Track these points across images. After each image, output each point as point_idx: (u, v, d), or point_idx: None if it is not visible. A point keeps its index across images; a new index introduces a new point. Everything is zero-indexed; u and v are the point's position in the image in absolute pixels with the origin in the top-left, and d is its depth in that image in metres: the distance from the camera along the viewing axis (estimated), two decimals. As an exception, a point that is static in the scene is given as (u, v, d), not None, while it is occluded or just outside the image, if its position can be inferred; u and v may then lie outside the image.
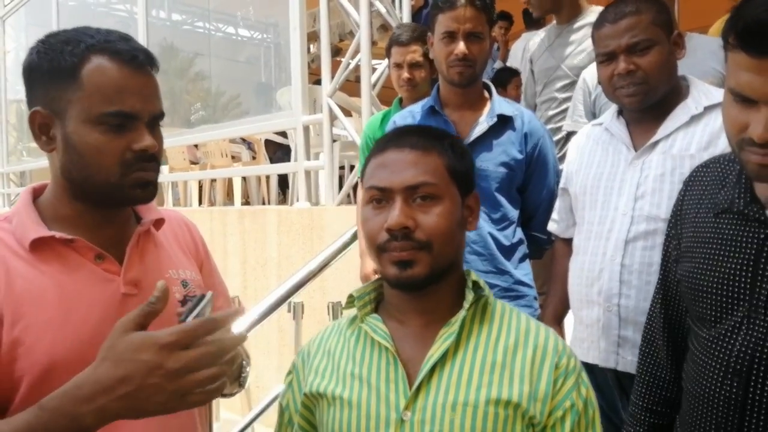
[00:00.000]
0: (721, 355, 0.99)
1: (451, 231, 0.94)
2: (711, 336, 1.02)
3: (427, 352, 0.91)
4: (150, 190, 0.99)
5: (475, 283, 0.98)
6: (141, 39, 5.93)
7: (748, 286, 0.98)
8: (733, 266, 1.00)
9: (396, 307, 0.97)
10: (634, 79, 1.44)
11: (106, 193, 0.97)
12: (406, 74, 2.31)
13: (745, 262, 0.99)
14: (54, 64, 0.93)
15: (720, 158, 1.14)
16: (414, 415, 0.88)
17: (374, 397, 0.92)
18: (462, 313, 0.93)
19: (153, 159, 0.98)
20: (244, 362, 1.11)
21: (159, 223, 1.08)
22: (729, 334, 0.99)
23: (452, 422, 0.87)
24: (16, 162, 8.43)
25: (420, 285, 0.92)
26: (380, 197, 0.94)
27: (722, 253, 1.02)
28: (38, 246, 0.94)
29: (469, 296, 0.95)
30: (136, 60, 0.96)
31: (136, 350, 0.75)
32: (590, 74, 2.42)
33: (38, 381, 0.88)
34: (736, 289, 0.99)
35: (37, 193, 1.03)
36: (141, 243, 1.04)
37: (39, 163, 7.32)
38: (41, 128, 0.97)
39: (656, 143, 1.47)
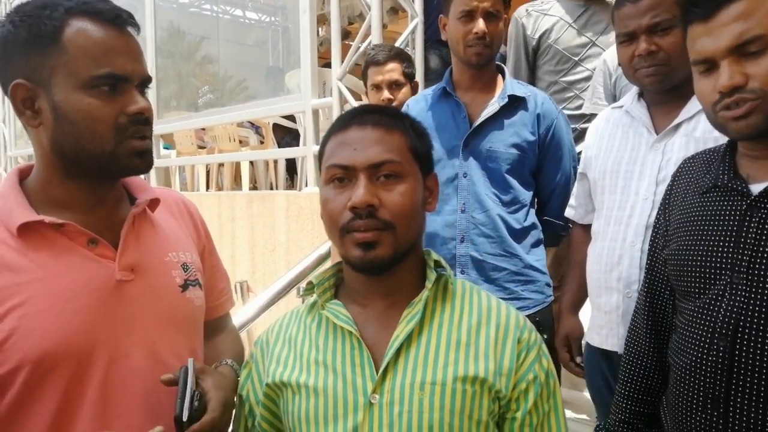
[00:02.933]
0: (707, 323, 1.02)
1: (414, 210, 0.93)
2: (696, 307, 1.05)
3: (391, 334, 0.91)
4: (148, 158, 0.94)
5: (437, 263, 0.97)
6: (148, 22, 5.89)
7: (730, 255, 1.01)
8: (717, 238, 1.03)
9: (357, 290, 0.97)
10: (656, 60, 1.40)
11: (102, 165, 0.91)
12: (386, 94, 2.18)
13: (728, 232, 1.02)
14: (33, 31, 0.87)
15: (705, 151, 1.18)
16: (382, 398, 0.88)
17: (341, 383, 0.90)
18: (425, 293, 0.93)
19: (148, 123, 0.93)
20: (240, 379, 1.06)
21: (154, 203, 1.03)
22: (713, 302, 1.02)
23: (421, 401, 0.87)
24: (24, 145, 8.44)
25: (384, 266, 0.91)
26: (342, 176, 0.92)
27: (707, 227, 1.06)
28: (26, 231, 0.89)
29: (432, 276, 0.95)
30: (120, 19, 0.91)
31: None
32: (611, 56, 2.36)
33: (33, 374, 0.85)
34: (720, 259, 1.02)
35: (23, 175, 0.97)
36: (137, 225, 0.99)
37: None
38: (24, 102, 0.90)
39: (678, 126, 1.43)
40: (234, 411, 1.00)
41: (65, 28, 0.88)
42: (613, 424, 1.22)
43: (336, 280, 1.01)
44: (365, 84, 2.26)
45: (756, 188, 1.01)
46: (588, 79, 2.63)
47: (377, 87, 2.19)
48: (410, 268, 0.96)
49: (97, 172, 0.93)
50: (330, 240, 0.95)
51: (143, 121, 0.91)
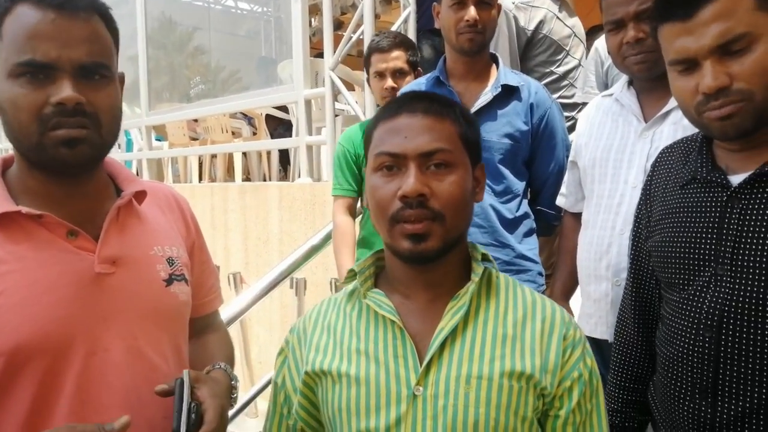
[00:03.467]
0: (693, 313, 1.02)
1: (464, 201, 0.91)
2: (681, 298, 1.05)
3: (434, 326, 0.89)
4: (81, 148, 0.86)
5: (484, 256, 0.96)
6: (139, 13, 5.84)
7: (713, 247, 1.01)
8: (700, 230, 1.03)
9: (400, 280, 0.94)
10: (644, 47, 1.40)
11: (33, 157, 0.88)
12: (389, 83, 2.10)
13: (710, 224, 1.02)
14: None
15: (683, 139, 1.18)
16: (426, 390, 0.86)
17: (383, 373, 0.88)
18: (471, 286, 0.91)
19: (78, 114, 0.85)
20: (233, 383, 1.04)
21: (140, 195, 0.99)
22: (698, 293, 1.02)
23: (467, 395, 0.85)
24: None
25: (432, 258, 0.90)
26: (392, 164, 0.90)
27: (689, 219, 1.06)
28: (4, 222, 0.87)
29: (479, 269, 0.93)
30: (61, 3, 0.85)
31: None
32: (602, 44, 2.37)
33: (7, 367, 0.83)
34: (703, 251, 1.02)
35: (6, 165, 0.95)
36: (121, 217, 0.96)
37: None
38: None
39: (667, 114, 1.43)
40: (228, 416, 0.98)
41: (7, 15, 0.86)
42: (606, 413, 1.23)
43: (376, 269, 0.99)
44: (367, 71, 2.21)
45: (735, 179, 1.01)
46: (577, 68, 2.64)
47: (380, 75, 2.13)
48: (456, 260, 0.94)
49: (35, 163, 0.90)
50: (377, 228, 0.93)
51: (68, 111, 0.84)
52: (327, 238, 2.57)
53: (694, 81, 0.97)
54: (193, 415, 0.86)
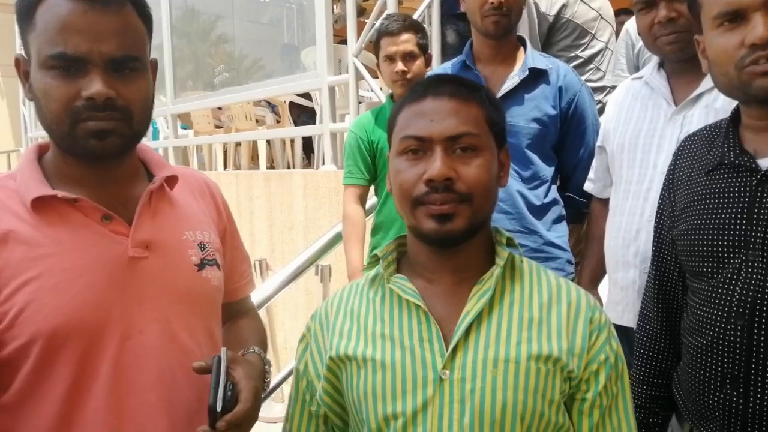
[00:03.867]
0: (723, 302, 1.00)
1: (490, 184, 0.90)
2: (710, 287, 1.03)
3: (458, 310, 0.89)
4: (111, 140, 0.87)
5: (509, 240, 0.95)
6: (163, 2, 5.88)
7: (743, 233, 0.99)
8: (728, 216, 1.01)
9: (423, 265, 0.94)
10: (676, 27, 1.37)
11: (66, 146, 0.90)
12: (400, 66, 2.05)
13: (740, 210, 1.00)
14: (20, 7, 0.88)
15: (706, 127, 1.16)
16: (453, 374, 0.86)
17: (408, 357, 0.88)
18: (497, 270, 0.90)
19: (108, 108, 0.86)
20: (266, 367, 1.05)
21: (172, 180, 1.00)
22: (728, 281, 1.00)
23: (494, 379, 0.85)
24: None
25: (457, 240, 0.89)
26: (417, 147, 0.89)
27: (716, 205, 1.03)
28: (40, 206, 0.88)
29: (503, 253, 0.92)
30: None
31: None
32: (633, 25, 2.31)
33: (46, 349, 0.85)
34: (733, 237, 1.00)
35: (42, 151, 0.97)
36: (153, 202, 0.97)
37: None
38: (25, 75, 0.90)
39: (699, 97, 1.40)
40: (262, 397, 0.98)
41: (39, 5, 0.87)
42: (631, 396, 1.22)
43: (398, 254, 0.99)
44: (377, 55, 2.17)
45: (764, 163, 0.98)
46: (603, 51, 2.59)
47: (390, 58, 2.08)
48: (479, 244, 0.93)
49: (68, 152, 0.92)
50: (400, 212, 0.93)
51: (99, 107, 0.85)
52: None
53: (740, 35, 0.94)
54: (228, 393, 0.87)
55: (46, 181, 0.91)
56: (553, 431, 0.88)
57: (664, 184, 1.21)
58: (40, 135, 8.53)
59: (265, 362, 1.05)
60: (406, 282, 0.92)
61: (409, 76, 2.04)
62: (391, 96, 2.19)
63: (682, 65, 1.44)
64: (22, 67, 0.91)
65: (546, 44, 2.68)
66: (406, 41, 2.06)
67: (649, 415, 1.22)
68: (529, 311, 0.90)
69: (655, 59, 1.53)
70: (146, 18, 0.94)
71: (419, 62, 2.07)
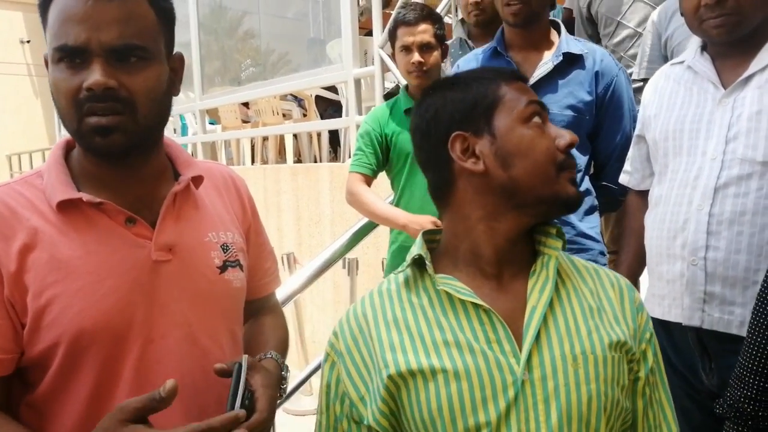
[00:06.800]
0: None
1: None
2: None
3: (517, 305, 0.84)
4: (114, 137, 0.84)
5: (558, 230, 0.89)
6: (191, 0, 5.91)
7: None
8: None
9: (486, 259, 0.87)
10: (725, 9, 1.29)
11: (78, 143, 0.89)
12: (416, 57, 1.97)
13: None
14: (38, 4, 0.87)
15: None
16: (532, 373, 0.80)
17: (482, 362, 0.81)
18: (553, 261, 0.86)
19: (109, 99, 0.82)
20: (284, 373, 1.02)
21: (198, 180, 0.98)
22: None
23: (576, 373, 0.81)
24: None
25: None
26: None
27: None
28: (66, 208, 0.87)
29: (556, 243, 0.87)
30: None
31: None
32: (658, 15, 2.23)
33: (71, 351, 0.85)
34: None
35: (70, 146, 0.95)
36: (178, 203, 0.95)
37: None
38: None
39: (750, 77, 1.32)
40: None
41: (51, 3, 0.85)
42: (737, 399, 1.10)
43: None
44: (392, 45, 2.12)
45: None
46: (632, 36, 2.50)
47: (407, 49, 2.02)
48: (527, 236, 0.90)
49: (83, 149, 0.90)
50: (531, 184, 0.85)
51: (98, 96, 0.82)
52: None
53: None
54: (246, 401, 0.86)
55: (71, 182, 0.90)
56: (624, 417, 0.86)
57: None
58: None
59: (282, 368, 1.02)
60: (455, 281, 0.86)
61: (425, 67, 1.99)
62: (407, 87, 2.14)
63: (727, 48, 1.36)
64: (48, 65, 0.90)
65: (592, 36, 2.64)
66: (423, 32, 2.00)
67: (759, 407, 1.13)
68: (585, 299, 0.87)
69: (695, 42, 1.46)
70: (160, 9, 0.90)
71: (436, 53, 2.01)
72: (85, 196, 0.87)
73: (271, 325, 1.13)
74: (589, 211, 1.72)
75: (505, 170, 0.84)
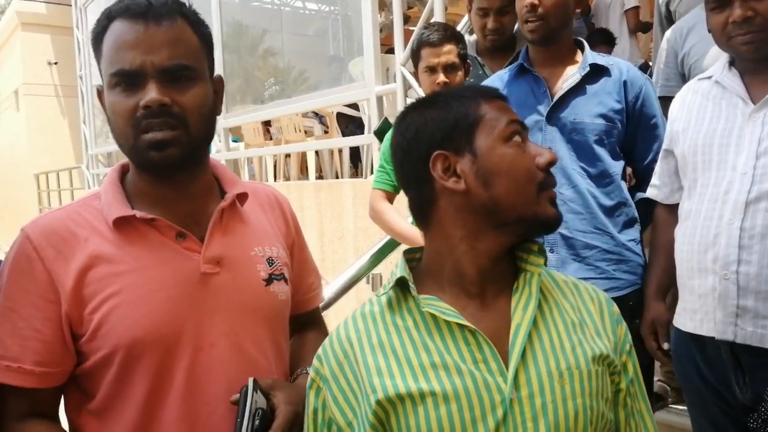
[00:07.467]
0: None
1: None
2: None
3: (501, 324, 0.85)
4: (169, 151, 0.91)
5: (540, 247, 0.90)
6: (214, 19, 6.03)
7: None
8: None
9: (469, 279, 0.87)
10: (753, 27, 1.31)
11: (134, 160, 0.96)
12: (441, 78, 1.99)
13: None
14: (91, 38, 0.95)
15: None
16: (519, 392, 0.81)
17: (470, 382, 0.81)
18: (536, 277, 0.87)
19: (164, 115, 0.90)
20: None
21: (243, 197, 1.03)
22: None
23: (563, 389, 0.83)
24: (103, 143, 8.89)
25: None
26: None
27: None
28: (121, 225, 0.94)
29: (539, 260, 0.88)
30: (142, 13, 0.91)
31: None
32: (673, 32, 2.24)
33: (127, 359, 0.90)
34: None
35: (125, 170, 1.03)
36: (225, 219, 1.01)
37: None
38: (103, 103, 0.97)
39: (780, 93, 1.32)
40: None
41: (105, 34, 0.93)
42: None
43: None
44: (416, 66, 2.14)
45: None
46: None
47: (432, 69, 2.04)
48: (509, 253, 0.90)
49: (137, 167, 0.97)
50: (515, 197, 0.85)
51: (155, 113, 0.89)
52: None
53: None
54: (257, 422, 0.88)
55: (126, 200, 0.97)
56: (609, 429, 0.88)
57: None
58: (100, 152, 8.89)
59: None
60: (439, 302, 0.85)
61: (449, 86, 2.01)
62: None
63: (756, 63, 1.38)
64: (102, 98, 0.96)
65: None
66: (448, 52, 2.03)
67: None
68: (567, 315, 0.89)
69: (723, 58, 1.47)
70: (202, 35, 0.98)
71: (460, 73, 2.05)
72: (139, 213, 0.94)
73: (313, 340, 1.16)
74: (629, 223, 1.70)
75: (486, 189, 0.85)
